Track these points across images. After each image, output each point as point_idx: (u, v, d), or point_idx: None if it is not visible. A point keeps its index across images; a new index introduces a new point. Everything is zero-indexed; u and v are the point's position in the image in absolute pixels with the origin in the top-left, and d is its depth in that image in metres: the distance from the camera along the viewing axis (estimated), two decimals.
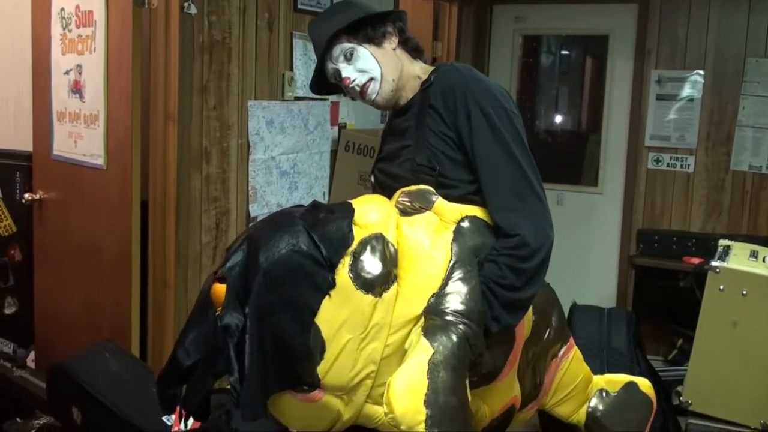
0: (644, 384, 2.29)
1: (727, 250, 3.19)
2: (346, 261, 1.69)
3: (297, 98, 3.53)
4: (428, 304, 1.72)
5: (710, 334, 2.99)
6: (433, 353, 1.64)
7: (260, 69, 3.29)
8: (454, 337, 1.67)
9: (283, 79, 3.42)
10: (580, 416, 2.22)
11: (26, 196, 3.28)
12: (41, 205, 3.29)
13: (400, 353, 1.72)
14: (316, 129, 3.68)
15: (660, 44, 4.97)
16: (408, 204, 1.87)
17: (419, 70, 2.02)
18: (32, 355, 3.34)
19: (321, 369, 1.66)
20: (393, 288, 1.72)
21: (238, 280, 1.65)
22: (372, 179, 2.10)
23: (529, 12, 5.35)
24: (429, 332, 1.68)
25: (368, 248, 1.72)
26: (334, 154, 3.84)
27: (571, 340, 2.27)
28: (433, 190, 1.88)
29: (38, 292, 3.34)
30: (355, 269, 1.69)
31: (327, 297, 1.67)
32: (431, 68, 2.02)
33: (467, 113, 1.85)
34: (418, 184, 1.89)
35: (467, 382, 1.70)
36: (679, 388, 3.15)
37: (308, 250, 1.67)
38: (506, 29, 5.42)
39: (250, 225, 1.88)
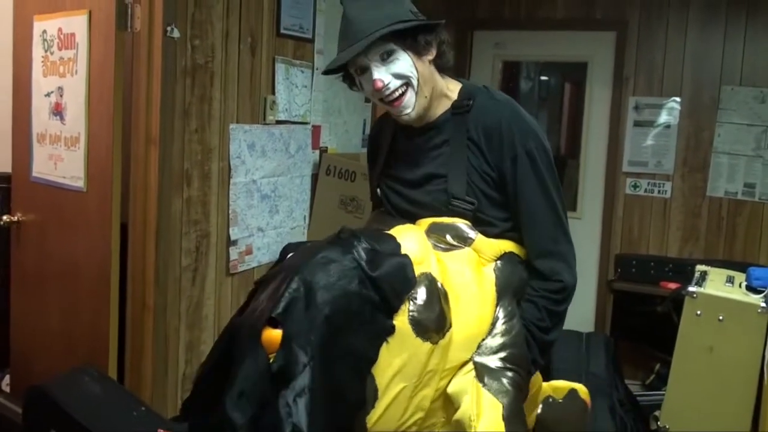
0: (582, 390, 2.33)
1: (703, 275, 3.23)
2: (406, 306, 1.62)
3: (278, 122, 3.54)
4: (479, 350, 1.72)
5: (687, 358, 3.02)
6: (503, 408, 1.67)
7: (242, 93, 3.31)
8: (511, 388, 1.70)
9: (265, 102, 3.43)
10: (529, 422, 2.21)
11: (4, 218, 3.26)
12: (19, 227, 3.27)
13: (443, 397, 1.70)
14: (297, 153, 3.69)
15: (637, 72, 5.05)
16: (442, 237, 1.82)
17: (447, 87, 1.91)
18: (7, 378, 3.30)
19: (370, 418, 1.60)
20: (449, 334, 1.67)
21: (296, 326, 1.52)
22: (379, 193, 2.03)
23: (509, 38, 5.42)
24: (488, 383, 1.69)
25: (424, 291, 1.66)
26: (315, 177, 3.85)
27: None
28: (470, 225, 1.84)
29: (14, 315, 3.31)
30: (416, 315, 1.62)
31: (385, 344, 1.60)
32: (458, 85, 1.93)
33: (513, 155, 1.81)
34: (450, 216, 1.84)
35: None
36: (657, 413, 3.17)
37: (368, 293, 1.58)
38: (486, 55, 5.48)
39: (290, 257, 1.73)
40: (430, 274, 1.68)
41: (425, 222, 1.85)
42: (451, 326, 1.67)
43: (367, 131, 4.35)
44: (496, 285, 1.78)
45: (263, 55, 3.43)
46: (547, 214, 1.84)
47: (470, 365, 1.71)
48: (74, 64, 2.99)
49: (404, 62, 1.79)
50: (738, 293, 2.95)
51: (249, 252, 3.39)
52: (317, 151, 3.89)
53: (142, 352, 2.92)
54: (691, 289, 3.01)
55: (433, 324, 1.63)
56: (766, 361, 2.81)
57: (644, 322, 4.61)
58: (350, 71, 1.85)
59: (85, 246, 2.96)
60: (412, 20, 1.79)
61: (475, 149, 1.83)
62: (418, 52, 1.80)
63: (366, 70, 1.81)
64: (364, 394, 1.58)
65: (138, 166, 2.91)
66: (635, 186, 5.07)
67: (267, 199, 3.48)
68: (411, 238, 1.74)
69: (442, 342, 1.65)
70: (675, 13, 4.94)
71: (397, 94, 1.80)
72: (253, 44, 3.35)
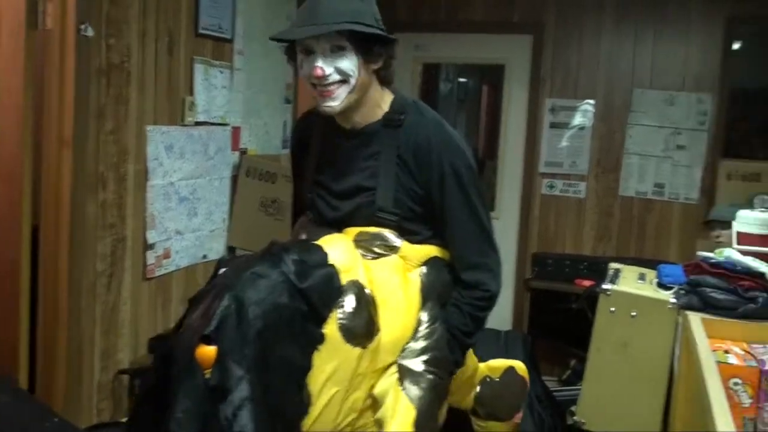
0: (520, 367, 2.41)
1: (617, 273, 3.32)
2: (334, 314, 1.68)
3: (197, 123, 3.49)
4: (403, 352, 1.81)
5: (602, 354, 3.10)
6: (416, 414, 1.75)
7: (160, 93, 3.24)
8: (428, 392, 1.79)
9: (183, 103, 3.38)
10: (467, 403, 2.30)
11: None
12: None
13: (372, 398, 1.78)
14: (217, 154, 3.64)
15: (553, 74, 5.17)
16: (369, 246, 1.88)
17: (382, 99, 1.95)
18: None
19: (305, 422, 1.66)
20: (377, 338, 1.75)
21: (228, 342, 1.55)
22: (309, 199, 2.04)
23: (428, 41, 5.47)
24: (407, 387, 1.77)
25: (353, 298, 1.72)
26: (234, 179, 3.80)
27: None
28: (396, 234, 1.90)
29: None
30: (344, 322, 1.68)
31: (316, 351, 1.66)
32: (391, 97, 1.97)
33: (441, 174, 1.88)
34: (375, 226, 1.90)
35: None
36: (573, 408, 3.24)
37: (297, 305, 1.63)
38: (407, 57, 5.51)
39: (221, 274, 1.75)
40: (357, 281, 1.74)
41: (352, 231, 1.90)
42: (379, 331, 1.75)
43: (288, 132, 4.33)
44: (421, 290, 1.87)
45: (181, 56, 3.37)
46: (474, 229, 1.93)
47: (395, 367, 1.79)
48: None
49: (350, 61, 1.82)
50: (649, 290, 3.05)
51: (167, 256, 3.33)
52: (237, 153, 3.85)
53: (54, 360, 2.83)
54: (605, 286, 3.09)
55: (362, 330, 1.70)
56: (676, 355, 2.91)
57: (560, 319, 4.73)
58: (296, 47, 1.88)
59: None
60: (373, 26, 1.83)
61: (404, 165, 1.89)
62: (366, 57, 1.85)
63: (311, 53, 1.83)
64: (304, 402, 1.64)
65: (50, 169, 2.82)
66: (551, 186, 5.19)
67: (185, 201, 3.43)
68: (339, 248, 1.80)
69: (370, 346, 1.72)
70: (589, 18, 5.08)
71: (332, 87, 1.83)
72: (170, 44, 3.29)
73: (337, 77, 1.82)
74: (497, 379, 2.35)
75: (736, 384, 2.27)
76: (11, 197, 2.76)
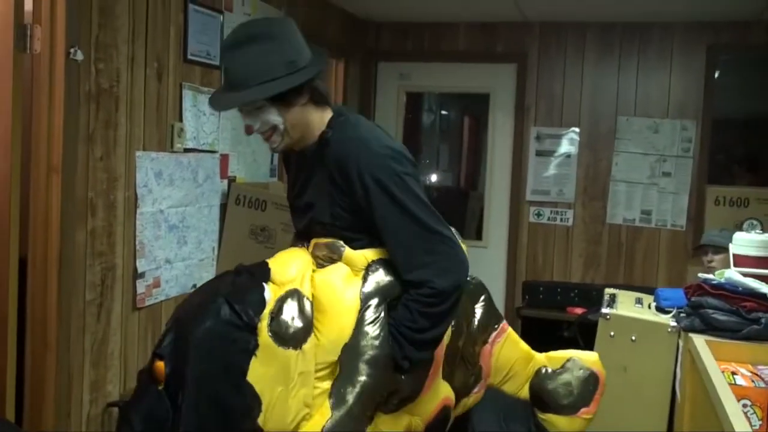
0: (588, 359, 2.35)
1: (613, 297, 3.30)
2: (265, 323, 1.86)
3: (186, 150, 3.43)
4: (343, 353, 1.90)
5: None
6: (329, 420, 1.85)
7: (149, 119, 3.19)
8: (352, 398, 1.87)
9: (172, 130, 3.32)
10: (524, 393, 2.33)
11: None
12: None
13: (326, 395, 1.91)
14: (206, 182, 3.58)
15: (538, 102, 5.20)
16: (320, 255, 2.02)
17: (322, 120, 2.06)
18: None
19: (261, 419, 1.84)
20: (311, 339, 1.90)
21: (173, 356, 1.85)
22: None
23: (412, 70, 5.48)
24: (333, 390, 1.89)
25: (285, 306, 1.89)
26: (223, 207, 3.74)
27: (503, 324, 2.39)
28: (341, 243, 2.01)
29: None
30: (274, 329, 1.86)
31: (254, 357, 1.84)
32: (330, 115, 2.07)
33: (364, 187, 1.94)
34: (325, 236, 2.03)
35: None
36: None
37: (231, 319, 1.84)
38: (391, 86, 5.52)
39: (178, 306, 2.08)
40: (296, 290, 1.92)
41: (313, 242, 2.05)
42: (311, 332, 1.90)
43: (276, 161, 4.28)
44: (362, 292, 1.95)
45: (170, 81, 3.32)
46: (410, 232, 1.94)
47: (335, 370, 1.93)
48: None
49: (271, 114, 1.97)
50: (648, 314, 3.03)
51: (157, 285, 3.25)
52: (225, 181, 3.79)
53: (42, 393, 2.73)
54: (604, 311, 3.07)
55: (292, 334, 1.87)
56: (678, 378, 2.88)
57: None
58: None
59: None
60: (281, 77, 1.92)
61: (334, 181, 1.99)
62: (286, 103, 1.97)
63: (241, 111, 2.02)
64: (246, 401, 1.82)
65: (38, 195, 2.74)
66: (538, 214, 5.18)
67: (175, 229, 3.35)
68: (288, 260, 2.01)
69: (305, 347, 1.88)
70: (572, 47, 5.12)
71: (266, 135, 2.01)
72: (159, 69, 3.24)
73: (266, 128, 1.99)
74: (555, 371, 2.33)
75: (745, 406, 2.24)
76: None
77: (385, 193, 1.93)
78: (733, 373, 2.33)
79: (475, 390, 2.32)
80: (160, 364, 1.86)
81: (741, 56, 5.13)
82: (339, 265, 2.00)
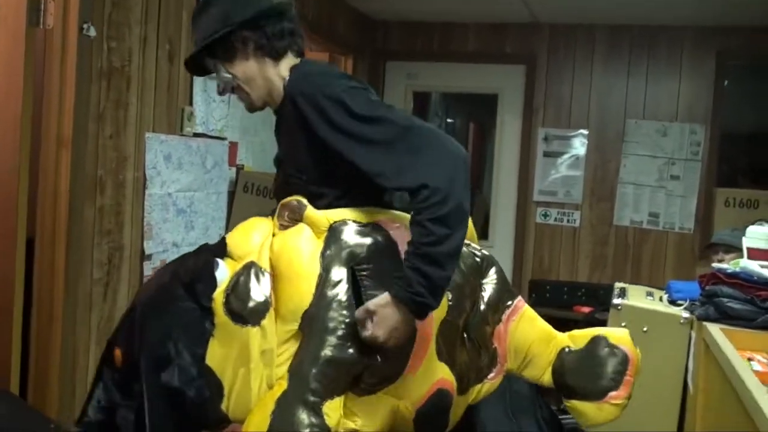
0: (615, 336, 2.10)
1: (623, 291, 3.26)
2: (219, 300, 1.75)
3: (196, 135, 3.41)
4: (301, 322, 1.72)
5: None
6: (285, 390, 1.69)
7: (159, 101, 3.17)
8: (311, 374, 1.68)
9: (182, 113, 3.30)
10: (546, 378, 2.07)
11: None
12: None
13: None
14: (214, 168, 3.55)
15: (546, 104, 5.18)
16: (284, 218, 1.86)
17: (284, 70, 1.92)
18: None
19: (224, 406, 1.73)
20: (270, 314, 1.75)
21: (128, 344, 1.78)
22: None
23: (421, 69, 5.47)
24: (292, 363, 1.72)
25: (240, 282, 1.77)
26: (231, 195, 3.71)
27: (518, 301, 2.13)
28: (304, 200, 1.84)
29: None
30: (229, 306, 1.75)
31: (212, 338, 1.74)
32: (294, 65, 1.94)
33: (314, 118, 1.78)
34: (291, 194, 1.88)
35: (333, 402, 1.71)
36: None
37: (184, 301, 1.76)
38: (399, 85, 5.50)
39: (138, 291, 2.12)
40: (251, 263, 1.79)
41: (278, 206, 1.91)
42: (270, 307, 1.75)
43: None
44: (322, 255, 1.77)
45: (181, 65, 3.29)
46: (378, 137, 1.74)
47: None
48: None
49: (221, 71, 1.94)
50: (660, 305, 2.99)
51: None
52: (234, 168, 3.77)
53: (47, 371, 2.69)
54: (615, 301, 3.03)
55: (250, 310, 1.74)
56: (690, 371, 2.84)
57: None
58: None
59: None
60: (212, 34, 1.88)
61: (296, 128, 1.86)
62: (229, 57, 1.91)
63: None
64: (203, 389, 1.72)
65: (48, 171, 2.72)
66: (545, 215, 5.16)
67: (183, 213, 3.33)
68: (246, 232, 1.89)
69: (264, 322, 1.74)
70: (581, 49, 5.11)
71: (238, 95, 1.99)
72: (171, 52, 3.22)
73: (225, 85, 2.00)
74: (578, 350, 2.07)
75: None
76: (7, 202, 2.65)
77: (331, 119, 1.75)
78: (750, 359, 2.29)
79: (490, 375, 2.08)
80: (118, 352, 1.79)
81: (752, 66, 5.11)
82: (299, 226, 1.82)
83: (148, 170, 3.08)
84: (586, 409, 2.06)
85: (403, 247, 1.77)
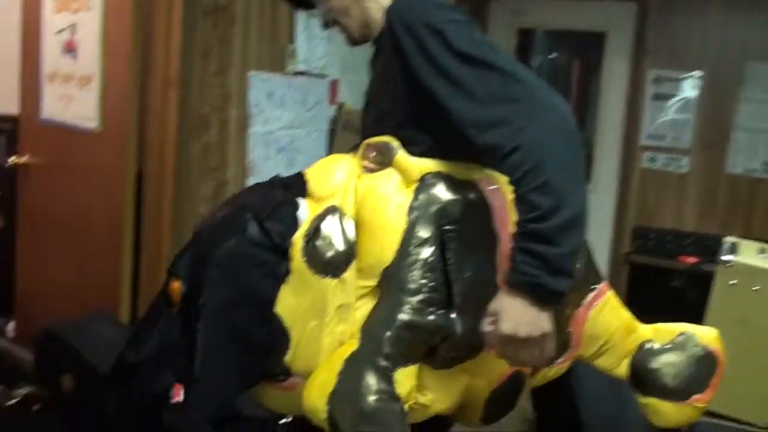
0: (705, 335, 1.93)
1: (733, 246, 3.12)
2: (299, 245, 1.60)
3: (297, 73, 3.40)
4: (380, 279, 1.57)
5: (719, 330, 2.92)
6: (356, 350, 1.54)
7: (262, 39, 3.17)
8: (384, 338, 1.53)
9: (284, 52, 3.29)
10: (621, 370, 1.91)
11: (11, 159, 3.12)
12: (27, 170, 3.13)
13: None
14: (315, 106, 3.55)
15: (658, 43, 4.92)
16: (370, 159, 1.67)
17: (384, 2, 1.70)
18: (12, 324, 3.15)
19: (288, 358, 1.60)
20: (352, 266, 1.60)
21: (190, 277, 1.63)
22: None
23: (526, 6, 5.28)
24: (365, 324, 1.57)
25: (322, 228, 1.62)
26: (331, 133, 3.71)
27: (602, 286, 1.95)
28: (395, 143, 1.65)
29: (21, 261, 3.17)
30: (309, 253, 1.59)
31: (285, 284, 1.60)
32: None
33: (413, 46, 1.55)
34: (381, 135, 1.67)
35: (406, 370, 1.56)
36: None
37: (258, 239, 1.60)
38: (503, 23, 5.34)
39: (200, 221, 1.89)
40: (334, 207, 1.63)
41: (363, 144, 1.71)
42: (353, 259, 1.60)
43: None
44: (410, 209, 1.58)
45: (283, 3, 3.28)
46: (464, 91, 1.51)
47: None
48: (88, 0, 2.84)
49: (319, 5, 1.77)
50: None
51: None
52: (334, 107, 3.75)
53: None
54: (725, 258, 2.90)
55: (330, 259, 1.59)
56: None
57: (660, 296, 4.51)
58: None
59: (97, 191, 2.83)
60: None
61: (393, 62, 1.63)
62: None
63: None
64: (270, 336, 1.59)
65: (155, 109, 2.77)
66: (652, 160, 4.96)
67: (284, 151, 3.35)
68: (329, 170, 1.70)
69: (345, 275, 1.59)
70: None
71: (335, 26, 1.79)
72: None
73: (324, 20, 1.79)
74: (662, 347, 1.92)
75: None
76: (117, 138, 2.73)
77: (438, 38, 1.52)
78: None
79: (560, 360, 1.90)
80: (176, 285, 1.66)
81: None
82: (388, 172, 1.64)
83: (251, 108, 3.10)
84: (664, 408, 1.91)
85: (497, 214, 1.61)
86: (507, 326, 1.46)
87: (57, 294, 2.99)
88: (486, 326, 1.49)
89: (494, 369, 1.69)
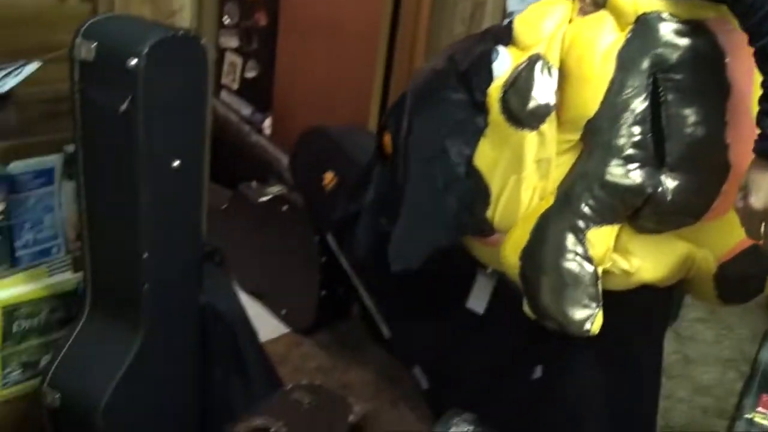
0: None
1: None
2: (495, 96, 1.54)
3: None
4: (582, 132, 1.48)
5: None
6: (550, 206, 1.50)
7: None
8: (587, 188, 1.45)
9: None
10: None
11: None
12: None
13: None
14: None
15: None
16: (586, 1, 1.54)
17: None
18: (268, 121, 3.32)
19: (489, 214, 1.59)
20: (551, 117, 1.50)
21: (398, 132, 1.70)
22: None
23: None
24: (566, 176, 1.50)
25: (521, 77, 1.52)
26: None
27: None
28: None
29: (280, 59, 3.27)
30: (506, 104, 1.53)
31: (483, 137, 1.57)
32: None
33: None
34: None
35: (600, 230, 1.47)
36: None
37: (456, 93, 1.60)
38: None
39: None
40: (537, 55, 1.52)
41: None
42: (553, 110, 1.50)
43: None
44: (619, 54, 1.43)
45: None
46: None
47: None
48: None
49: None
50: None
51: None
52: None
53: None
54: None
55: (529, 111, 1.51)
56: None
57: None
58: None
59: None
60: None
61: None
62: None
63: None
64: (469, 190, 1.59)
65: None
66: None
67: None
68: (537, 18, 1.58)
69: (543, 127, 1.50)
70: None
71: None
72: None
73: None
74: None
75: None
76: None
77: None
78: None
79: None
80: (387, 138, 1.73)
81: None
82: (600, 14, 1.49)
83: None
84: None
85: (732, 60, 1.39)
86: (756, 200, 1.30)
87: (311, 95, 3.09)
88: (737, 202, 1.35)
89: (720, 240, 1.57)
